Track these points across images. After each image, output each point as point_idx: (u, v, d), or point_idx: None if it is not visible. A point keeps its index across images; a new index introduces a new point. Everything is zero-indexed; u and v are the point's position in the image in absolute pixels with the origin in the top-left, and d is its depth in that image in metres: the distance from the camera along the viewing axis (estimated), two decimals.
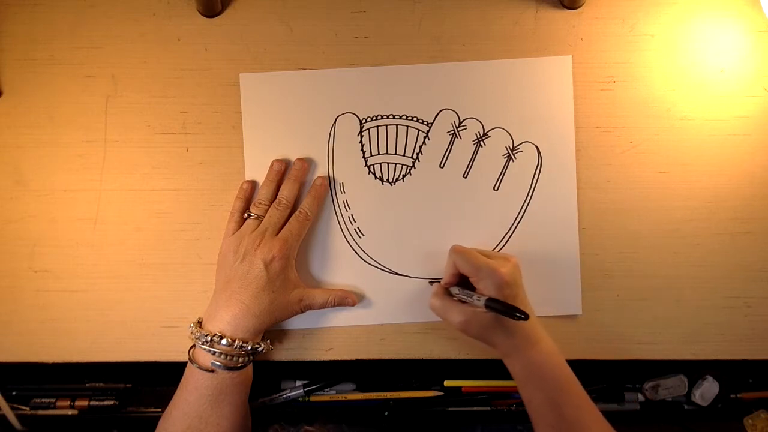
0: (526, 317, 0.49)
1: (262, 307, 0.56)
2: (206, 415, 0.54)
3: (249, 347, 0.55)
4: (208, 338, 0.54)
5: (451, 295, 0.58)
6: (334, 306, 0.60)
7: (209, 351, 0.54)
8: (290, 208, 0.59)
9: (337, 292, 0.60)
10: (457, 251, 0.56)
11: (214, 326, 0.55)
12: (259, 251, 0.56)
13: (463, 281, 0.57)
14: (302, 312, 0.59)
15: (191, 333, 0.56)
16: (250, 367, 0.57)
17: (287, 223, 0.58)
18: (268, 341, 0.58)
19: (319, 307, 0.60)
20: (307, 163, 0.61)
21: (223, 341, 0.54)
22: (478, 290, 0.55)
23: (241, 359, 0.55)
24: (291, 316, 0.59)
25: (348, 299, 0.60)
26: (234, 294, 0.55)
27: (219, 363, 0.54)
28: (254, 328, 0.55)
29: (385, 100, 0.61)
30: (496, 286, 0.53)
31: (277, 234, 0.58)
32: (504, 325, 0.53)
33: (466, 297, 0.55)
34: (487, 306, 0.52)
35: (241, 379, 0.56)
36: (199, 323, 0.57)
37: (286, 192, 0.59)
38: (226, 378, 0.54)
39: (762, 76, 0.61)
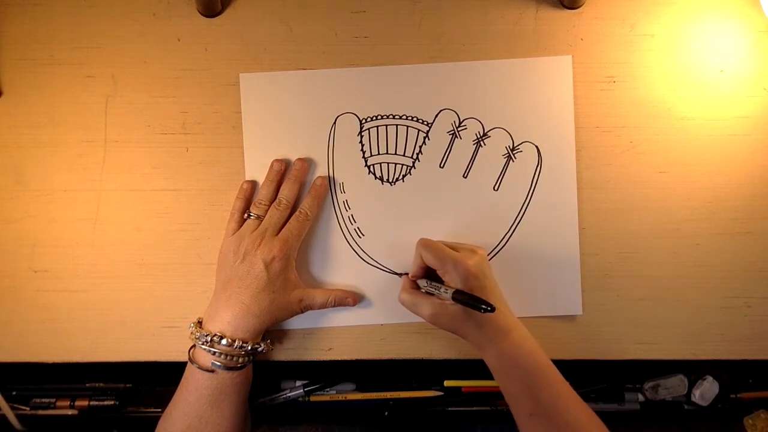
0: (492, 309, 0.49)
1: (262, 307, 0.56)
2: (206, 415, 0.54)
3: (249, 347, 0.55)
4: (208, 338, 0.54)
5: (419, 288, 0.58)
6: (334, 306, 0.60)
7: (209, 351, 0.54)
8: (290, 208, 0.59)
9: (337, 293, 0.60)
10: (423, 244, 0.56)
11: (214, 326, 0.55)
12: (259, 251, 0.56)
13: (430, 274, 0.57)
14: (302, 312, 0.59)
15: (191, 333, 0.56)
16: (249, 368, 0.57)
17: (287, 223, 0.58)
18: (268, 341, 0.58)
19: (319, 308, 0.60)
20: (307, 163, 0.61)
21: (223, 341, 0.54)
22: (445, 283, 0.55)
23: (240, 359, 0.55)
24: (291, 316, 0.60)
25: (348, 299, 0.60)
26: (234, 294, 0.55)
27: (219, 363, 0.54)
28: (254, 328, 0.55)
29: (385, 100, 0.61)
30: (462, 278, 0.53)
31: (278, 234, 0.58)
32: (474, 317, 0.53)
33: (433, 289, 0.55)
34: (453, 298, 0.52)
35: (241, 380, 0.56)
36: (199, 323, 0.57)
37: (286, 192, 0.59)
38: (225, 378, 0.54)
39: (762, 76, 0.61)
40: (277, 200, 0.59)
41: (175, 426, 0.54)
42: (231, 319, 0.55)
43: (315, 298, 0.59)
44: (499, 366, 0.54)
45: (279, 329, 0.62)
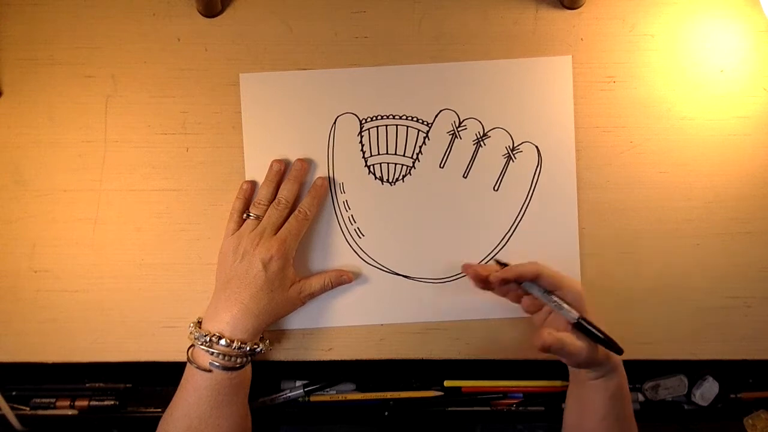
0: (620, 352, 0.53)
1: (261, 307, 0.56)
2: (206, 416, 0.54)
3: (247, 348, 0.55)
4: (207, 338, 0.54)
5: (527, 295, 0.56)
6: (332, 287, 0.60)
7: (207, 351, 0.54)
8: (289, 208, 0.59)
9: (331, 273, 0.60)
10: (536, 270, 0.54)
11: (213, 326, 0.55)
12: (257, 251, 0.56)
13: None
14: (303, 303, 0.60)
15: (190, 333, 0.56)
16: (249, 368, 0.57)
17: (286, 223, 0.58)
18: (267, 342, 0.58)
19: (320, 292, 0.60)
20: (307, 164, 0.61)
21: (222, 341, 0.54)
22: (568, 304, 0.54)
23: (239, 360, 0.55)
24: (293, 310, 0.60)
25: (344, 277, 0.60)
26: (233, 294, 0.55)
27: (217, 363, 0.54)
28: (253, 328, 0.55)
29: (385, 100, 0.61)
30: (577, 299, 0.54)
31: (276, 234, 0.58)
32: (604, 352, 0.54)
33: (559, 302, 0.53)
34: (578, 324, 0.52)
35: (240, 380, 0.56)
36: (199, 323, 0.57)
37: (286, 192, 0.59)
38: (224, 378, 0.54)
39: (762, 76, 0.61)
40: (276, 200, 0.59)
41: (176, 426, 0.54)
42: (230, 319, 0.55)
43: (312, 285, 0.59)
44: (611, 393, 0.54)
45: (278, 329, 0.62)
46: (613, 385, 0.54)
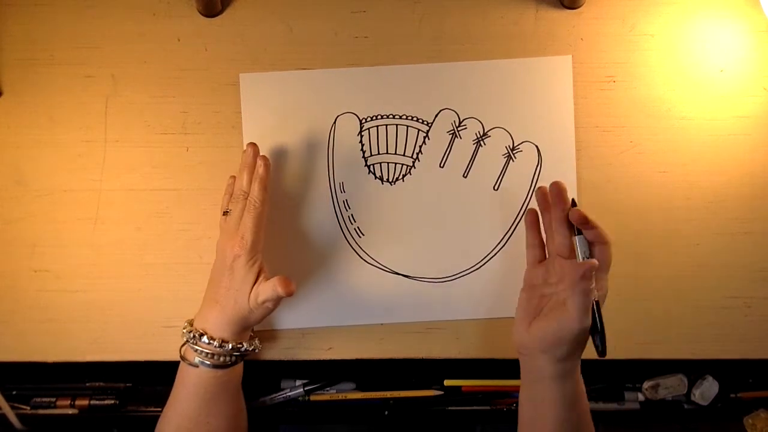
0: (603, 354, 0.51)
1: (230, 306, 0.54)
2: (195, 415, 0.54)
3: (229, 346, 0.54)
4: (192, 335, 0.54)
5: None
6: (284, 295, 0.53)
7: (194, 348, 0.54)
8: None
9: (276, 280, 0.53)
10: (610, 246, 0.52)
11: (199, 324, 0.55)
12: (226, 248, 0.55)
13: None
14: (267, 310, 0.54)
15: (183, 330, 0.56)
16: (238, 367, 0.56)
17: (242, 220, 0.55)
18: (256, 341, 0.57)
19: (274, 299, 0.53)
20: (254, 147, 0.56)
21: (204, 339, 0.54)
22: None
23: (222, 358, 0.54)
24: (260, 315, 0.55)
25: (280, 289, 0.52)
26: (212, 293, 0.55)
27: (203, 361, 0.54)
28: (230, 328, 0.54)
29: (385, 100, 0.61)
30: (602, 296, 0.52)
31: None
32: (582, 343, 0.52)
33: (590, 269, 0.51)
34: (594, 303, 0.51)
35: (229, 378, 0.55)
36: (191, 321, 0.57)
37: (240, 183, 0.56)
38: (210, 376, 0.54)
39: (762, 76, 0.61)
40: (234, 195, 0.56)
41: (170, 424, 0.54)
42: (211, 317, 0.55)
43: (265, 292, 0.53)
44: (568, 396, 0.53)
45: (278, 328, 0.62)
46: (569, 390, 0.53)
